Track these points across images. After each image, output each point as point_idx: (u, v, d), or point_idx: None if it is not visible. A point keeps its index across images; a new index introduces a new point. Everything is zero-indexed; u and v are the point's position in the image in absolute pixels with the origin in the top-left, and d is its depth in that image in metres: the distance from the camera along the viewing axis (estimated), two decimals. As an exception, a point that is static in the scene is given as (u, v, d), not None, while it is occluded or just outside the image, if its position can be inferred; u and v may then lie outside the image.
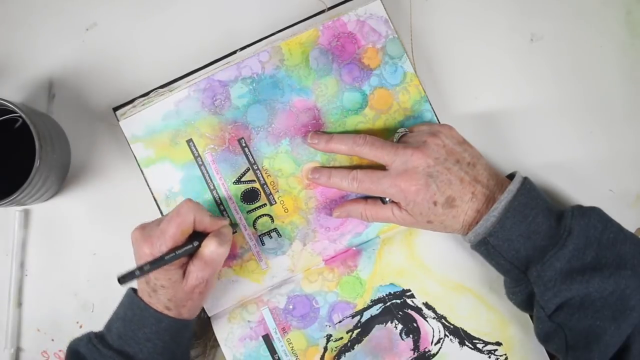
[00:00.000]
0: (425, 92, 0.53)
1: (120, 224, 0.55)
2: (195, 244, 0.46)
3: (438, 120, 0.53)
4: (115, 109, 0.54)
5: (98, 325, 0.54)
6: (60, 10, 0.56)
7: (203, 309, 0.52)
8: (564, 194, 0.55)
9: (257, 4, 0.56)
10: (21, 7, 0.56)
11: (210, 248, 0.46)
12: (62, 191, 0.56)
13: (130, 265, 0.54)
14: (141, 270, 0.44)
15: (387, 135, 0.53)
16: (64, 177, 0.55)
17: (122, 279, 0.43)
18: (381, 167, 0.49)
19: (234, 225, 0.52)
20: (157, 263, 0.44)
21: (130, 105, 0.53)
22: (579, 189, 0.56)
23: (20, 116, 0.48)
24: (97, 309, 0.55)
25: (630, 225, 0.55)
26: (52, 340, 0.55)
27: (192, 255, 0.46)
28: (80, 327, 0.55)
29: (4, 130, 0.51)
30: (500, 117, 0.56)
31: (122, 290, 0.54)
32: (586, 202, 0.55)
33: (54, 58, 0.56)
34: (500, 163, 0.55)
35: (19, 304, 0.55)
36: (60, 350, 0.55)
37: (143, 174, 0.52)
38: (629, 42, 0.56)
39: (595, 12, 0.57)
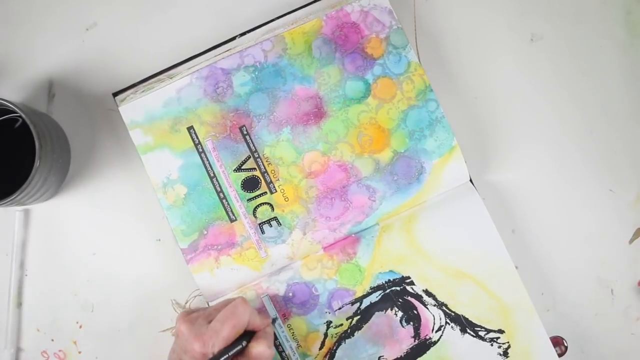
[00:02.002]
0: (429, 82, 0.53)
1: (120, 224, 0.55)
2: (244, 343, 0.46)
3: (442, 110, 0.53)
4: (115, 94, 0.53)
5: (98, 325, 0.54)
6: (60, 10, 0.56)
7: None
8: (563, 194, 0.55)
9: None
10: (21, 7, 0.56)
11: (259, 349, 0.46)
12: (62, 191, 0.56)
13: (134, 272, 0.54)
14: None
15: (391, 124, 0.53)
16: (64, 177, 0.55)
17: None
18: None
19: (273, 320, 0.52)
20: None
21: (130, 91, 0.53)
22: (579, 189, 0.56)
23: (20, 116, 0.48)
24: (97, 309, 0.55)
25: (630, 225, 0.55)
26: (52, 340, 0.55)
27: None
28: (80, 327, 0.55)
29: (4, 130, 0.51)
30: (499, 117, 0.56)
31: (122, 290, 0.55)
32: (586, 202, 0.56)
33: (54, 58, 0.56)
34: (499, 163, 0.55)
35: (19, 304, 0.55)
36: (60, 350, 0.55)
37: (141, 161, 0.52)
38: (629, 42, 0.56)
39: (595, 12, 0.57)
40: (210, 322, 0.46)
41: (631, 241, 0.55)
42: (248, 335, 0.47)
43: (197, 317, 0.47)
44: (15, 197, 0.48)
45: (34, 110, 0.52)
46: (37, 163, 0.48)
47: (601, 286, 0.55)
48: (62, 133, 0.55)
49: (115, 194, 0.55)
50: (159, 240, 0.55)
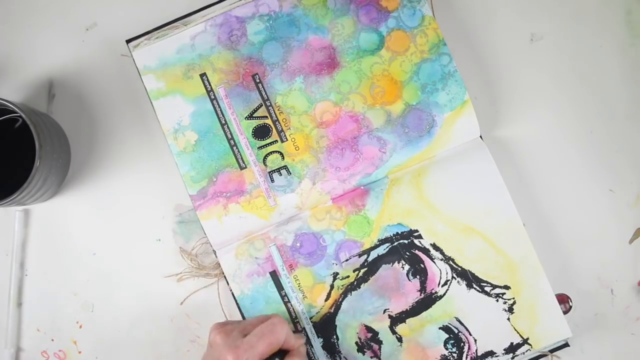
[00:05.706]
0: (443, 36, 0.53)
1: (120, 223, 0.55)
2: None
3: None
4: (129, 40, 0.54)
5: (98, 325, 0.55)
6: (60, 10, 0.56)
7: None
8: (563, 194, 0.55)
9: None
10: (21, 7, 0.56)
11: None
12: (62, 191, 0.56)
13: (134, 272, 0.54)
14: None
15: (403, 76, 0.53)
16: (64, 177, 0.55)
17: None
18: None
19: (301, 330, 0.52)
20: None
21: (144, 38, 0.54)
22: (579, 189, 0.56)
23: (20, 116, 0.48)
24: (97, 309, 0.55)
25: (630, 225, 0.55)
26: (52, 340, 0.55)
27: None
28: (80, 327, 0.55)
29: (4, 130, 0.51)
30: (499, 118, 0.56)
31: (122, 290, 0.55)
32: (586, 202, 0.56)
33: (54, 58, 0.56)
34: (499, 163, 0.55)
35: (19, 304, 0.55)
36: (60, 350, 0.55)
37: (153, 107, 0.52)
38: (629, 42, 0.56)
39: (595, 12, 0.57)
40: (245, 335, 0.45)
41: (631, 241, 0.55)
42: (280, 353, 0.46)
43: (233, 329, 0.46)
44: (15, 197, 0.48)
45: (34, 110, 0.52)
46: (37, 163, 0.48)
47: (601, 286, 0.55)
48: (62, 133, 0.55)
49: (115, 193, 0.55)
50: (159, 240, 0.55)
